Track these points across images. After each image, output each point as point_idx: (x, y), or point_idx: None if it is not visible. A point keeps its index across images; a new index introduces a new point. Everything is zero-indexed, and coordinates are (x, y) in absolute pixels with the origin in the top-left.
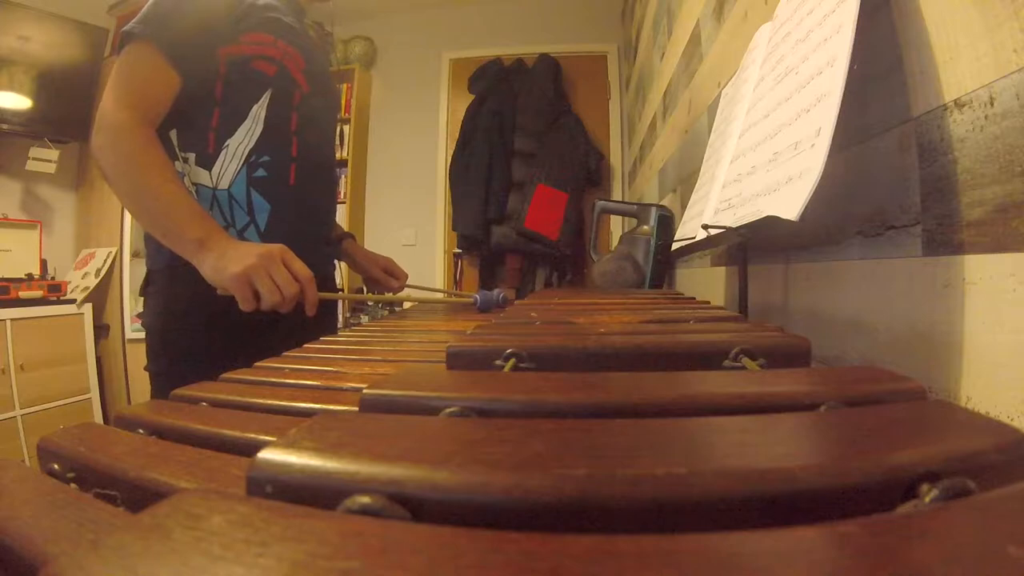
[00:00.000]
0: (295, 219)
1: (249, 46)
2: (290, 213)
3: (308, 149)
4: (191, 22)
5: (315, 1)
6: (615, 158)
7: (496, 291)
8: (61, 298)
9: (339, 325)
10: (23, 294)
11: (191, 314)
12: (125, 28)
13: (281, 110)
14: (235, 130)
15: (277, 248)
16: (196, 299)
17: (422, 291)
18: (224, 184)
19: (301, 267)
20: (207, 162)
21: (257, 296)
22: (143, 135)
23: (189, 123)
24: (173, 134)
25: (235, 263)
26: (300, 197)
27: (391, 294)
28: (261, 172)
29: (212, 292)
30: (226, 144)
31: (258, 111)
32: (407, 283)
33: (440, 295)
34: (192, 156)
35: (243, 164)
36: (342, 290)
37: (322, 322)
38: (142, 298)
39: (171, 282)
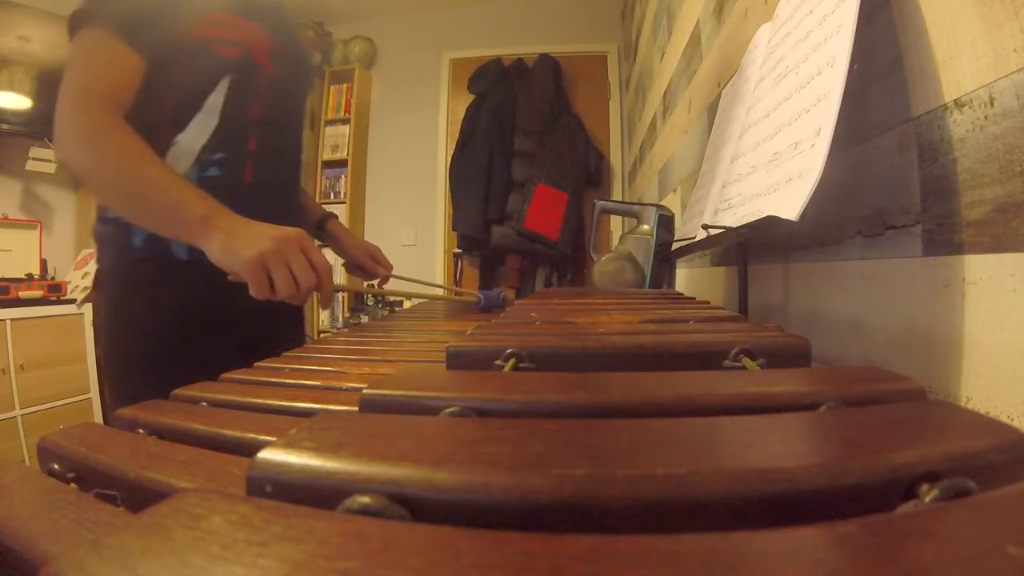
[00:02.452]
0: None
1: (210, 27)
2: (245, 214)
3: (269, 141)
4: (147, 0)
5: None
6: (615, 158)
7: (496, 291)
8: (61, 298)
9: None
10: (23, 294)
11: (141, 319)
12: (76, 9)
13: (241, 99)
14: (187, 124)
15: (295, 232)
16: (144, 303)
17: (424, 289)
18: None
19: (320, 256)
20: None
21: (271, 285)
22: (114, 123)
23: (138, 116)
24: None
25: (248, 246)
26: (256, 196)
27: (390, 289)
28: (214, 171)
29: (161, 295)
30: (175, 140)
31: (215, 101)
32: (413, 278)
33: (443, 292)
34: None
35: (194, 163)
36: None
37: (289, 331)
38: (92, 302)
39: (119, 284)
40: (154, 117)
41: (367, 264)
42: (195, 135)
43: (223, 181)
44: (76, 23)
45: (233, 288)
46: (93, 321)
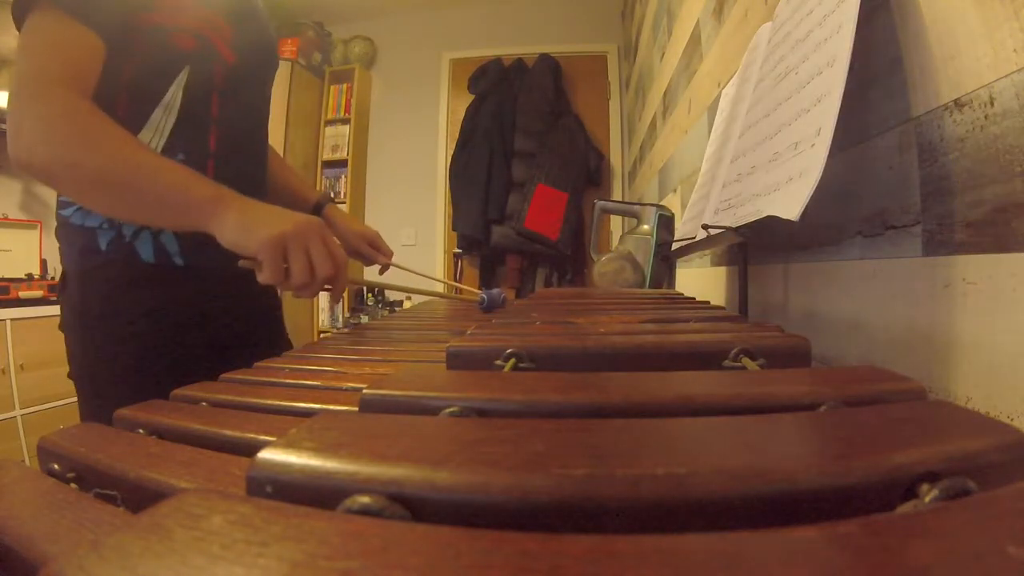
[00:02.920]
0: None
1: (165, 13)
2: None
3: (230, 138)
4: None
5: None
6: (615, 158)
7: (496, 291)
8: None
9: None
10: (23, 294)
11: (105, 323)
12: None
13: (199, 93)
14: (143, 124)
15: (317, 220)
16: (109, 306)
17: (427, 284)
18: None
19: (338, 248)
20: None
21: (286, 271)
22: (86, 109)
23: None
24: None
25: (267, 225)
26: None
27: (395, 284)
28: None
29: (126, 299)
30: None
31: (172, 98)
32: (414, 270)
33: (444, 288)
34: None
35: None
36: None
37: (271, 337)
38: (59, 303)
39: (83, 286)
40: (108, 115)
41: (365, 251)
42: (153, 134)
43: None
44: (20, 10)
45: (207, 288)
46: (61, 327)
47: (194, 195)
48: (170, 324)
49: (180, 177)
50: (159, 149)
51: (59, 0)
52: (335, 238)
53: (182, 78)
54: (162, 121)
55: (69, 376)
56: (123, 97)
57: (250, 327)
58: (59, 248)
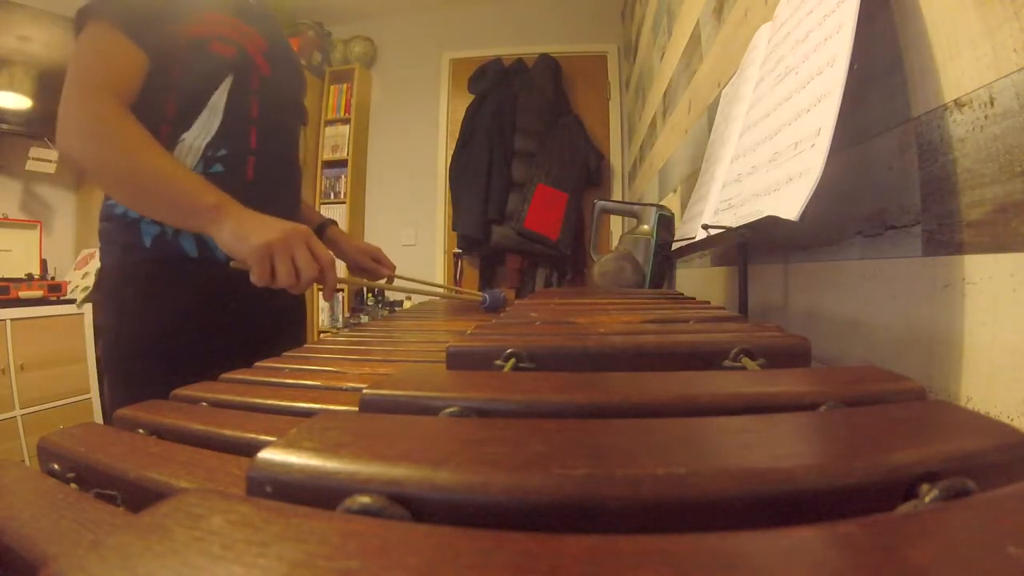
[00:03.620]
0: None
1: (207, 26)
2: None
3: (268, 138)
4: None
5: None
6: (615, 158)
7: (497, 291)
8: (61, 298)
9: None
10: (23, 294)
11: (144, 318)
12: (80, 7)
13: (241, 97)
14: (192, 123)
15: (303, 228)
16: (148, 302)
17: (428, 289)
18: None
19: (324, 250)
20: None
21: (273, 274)
22: (120, 115)
23: (141, 114)
24: None
25: (257, 234)
26: (258, 193)
27: (392, 284)
28: (218, 167)
29: (165, 295)
30: (182, 138)
31: (217, 100)
32: (414, 278)
33: (449, 293)
34: None
35: (199, 159)
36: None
37: (291, 331)
38: (92, 301)
39: (123, 282)
40: (160, 116)
41: (369, 265)
42: (199, 133)
43: (227, 177)
44: (81, 19)
45: (240, 284)
46: (93, 320)
47: (199, 202)
48: (209, 319)
49: (190, 184)
50: (206, 144)
51: (114, 16)
52: (322, 243)
53: (227, 84)
54: (209, 121)
55: (98, 369)
56: (172, 99)
57: (280, 322)
58: (100, 247)
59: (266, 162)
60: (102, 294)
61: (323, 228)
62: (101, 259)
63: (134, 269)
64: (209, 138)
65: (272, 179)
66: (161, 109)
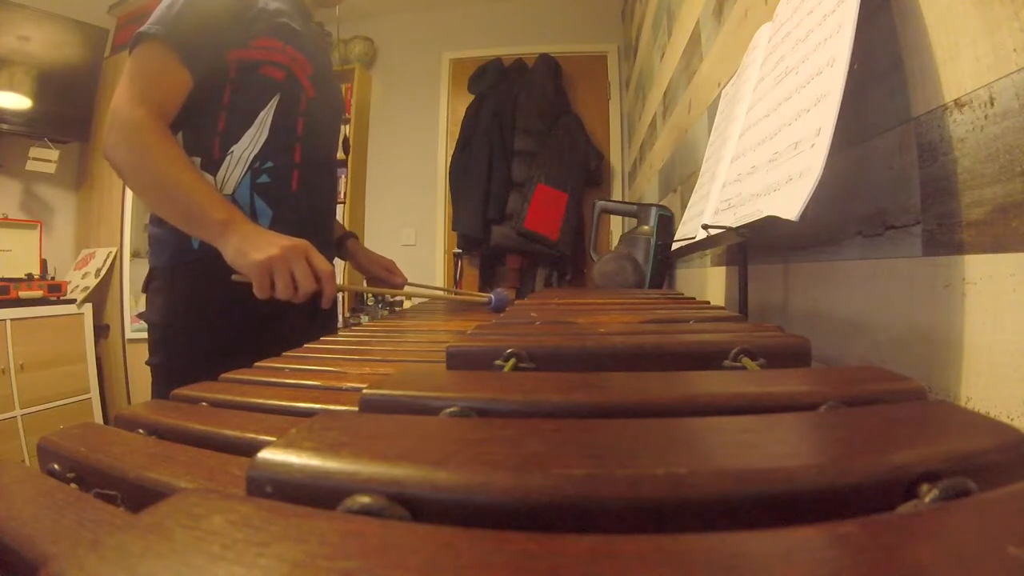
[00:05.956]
0: (296, 224)
1: (258, 51)
2: (291, 218)
3: (311, 154)
4: (202, 24)
5: (321, 6)
6: (615, 158)
7: (499, 291)
8: (61, 298)
9: (339, 325)
10: (23, 294)
11: (192, 311)
12: (140, 29)
13: (288, 116)
14: (240, 136)
15: (302, 243)
16: (196, 297)
17: (433, 293)
18: (228, 189)
19: (322, 262)
20: (212, 167)
21: (273, 286)
22: (158, 129)
23: (196, 127)
24: (179, 136)
25: (259, 250)
26: (301, 203)
27: (392, 290)
28: (264, 178)
29: (212, 291)
30: (231, 150)
31: (265, 117)
32: (417, 283)
33: (453, 295)
34: (198, 160)
35: (247, 170)
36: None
37: (324, 324)
38: (144, 295)
39: (173, 280)
40: (213, 130)
41: (383, 275)
42: (247, 146)
43: (273, 187)
44: (138, 38)
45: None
46: (144, 317)
47: (209, 216)
48: (255, 313)
49: (205, 198)
50: (252, 156)
51: (168, 38)
52: (321, 256)
53: (273, 104)
54: (257, 135)
55: (147, 363)
56: (223, 115)
57: (312, 322)
58: (149, 250)
59: (309, 175)
60: (151, 292)
61: (343, 240)
62: (151, 260)
63: (185, 268)
64: (256, 151)
65: (314, 190)
66: (214, 124)
